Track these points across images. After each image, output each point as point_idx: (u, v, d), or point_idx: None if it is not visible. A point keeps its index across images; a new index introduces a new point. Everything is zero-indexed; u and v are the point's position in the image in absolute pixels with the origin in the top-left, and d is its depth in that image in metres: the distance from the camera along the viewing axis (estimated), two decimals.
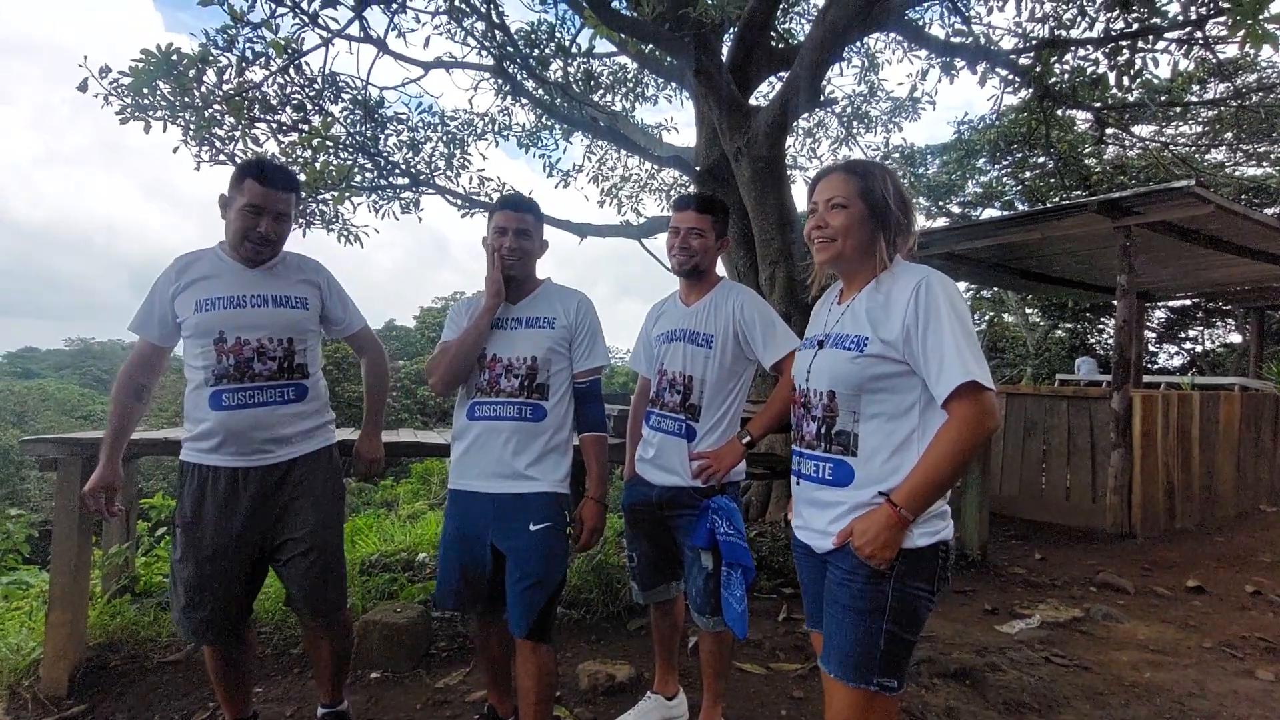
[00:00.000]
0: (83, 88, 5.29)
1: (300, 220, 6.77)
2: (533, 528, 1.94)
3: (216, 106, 6.25)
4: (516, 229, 2.07)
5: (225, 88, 6.19)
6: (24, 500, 17.31)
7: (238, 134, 6.49)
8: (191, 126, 6.27)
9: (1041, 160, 15.56)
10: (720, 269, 2.41)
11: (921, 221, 19.61)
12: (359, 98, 7.20)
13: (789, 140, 8.06)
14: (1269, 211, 15.65)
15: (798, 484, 1.57)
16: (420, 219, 8.26)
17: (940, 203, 19.50)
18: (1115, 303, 5.06)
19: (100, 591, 3.27)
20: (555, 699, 2.45)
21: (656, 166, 9.37)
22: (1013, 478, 5.68)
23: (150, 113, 5.79)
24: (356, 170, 7.32)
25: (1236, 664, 3.03)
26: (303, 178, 6.36)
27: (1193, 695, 2.70)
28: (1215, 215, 4.67)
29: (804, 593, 1.64)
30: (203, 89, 6.04)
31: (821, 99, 6.25)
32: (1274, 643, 3.25)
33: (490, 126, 9.09)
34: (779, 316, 2.25)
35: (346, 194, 6.56)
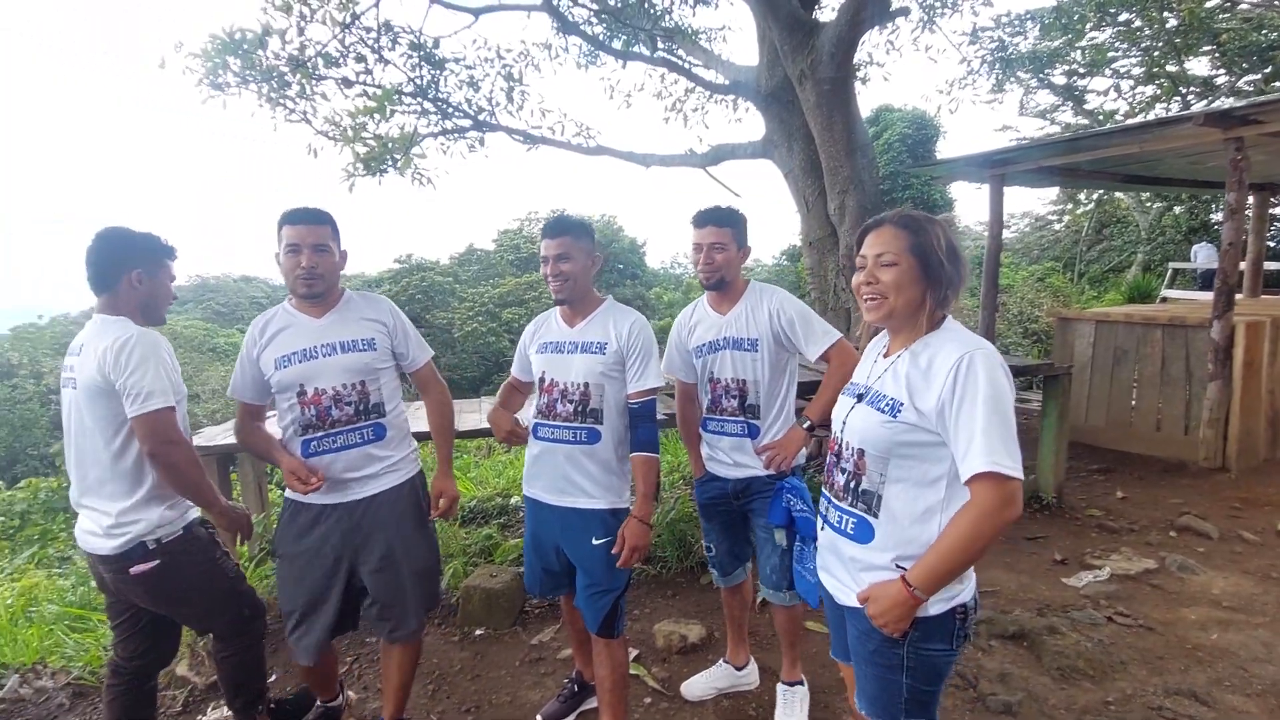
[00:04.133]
0: (161, 65, 5.59)
1: (378, 171, 6.99)
2: (595, 542, 2.15)
3: (284, 70, 6.45)
4: (556, 255, 2.14)
5: (289, 49, 6.37)
6: None
7: (307, 92, 6.71)
8: (264, 92, 6.51)
9: (1164, 16, 13.66)
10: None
11: (1019, 95, 17.82)
12: (416, 41, 7.19)
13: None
14: None
15: (823, 529, 1.66)
16: (487, 156, 8.31)
17: (1043, 74, 17.62)
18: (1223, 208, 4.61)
19: (247, 556, 3.82)
20: (635, 661, 2.79)
21: (723, 79, 8.93)
22: (1099, 407, 5.50)
23: (225, 89, 6.04)
24: (419, 115, 7.42)
25: None
26: (365, 147, 6.53)
27: (1259, 660, 2.73)
28: None
29: (830, 626, 1.76)
30: (269, 56, 6.22)
31: (891, 9, 5.72)
32: None
33: (547, 53, 8.84)
34: (813, 311, 2.33)
35: (413, 158, 6.68)
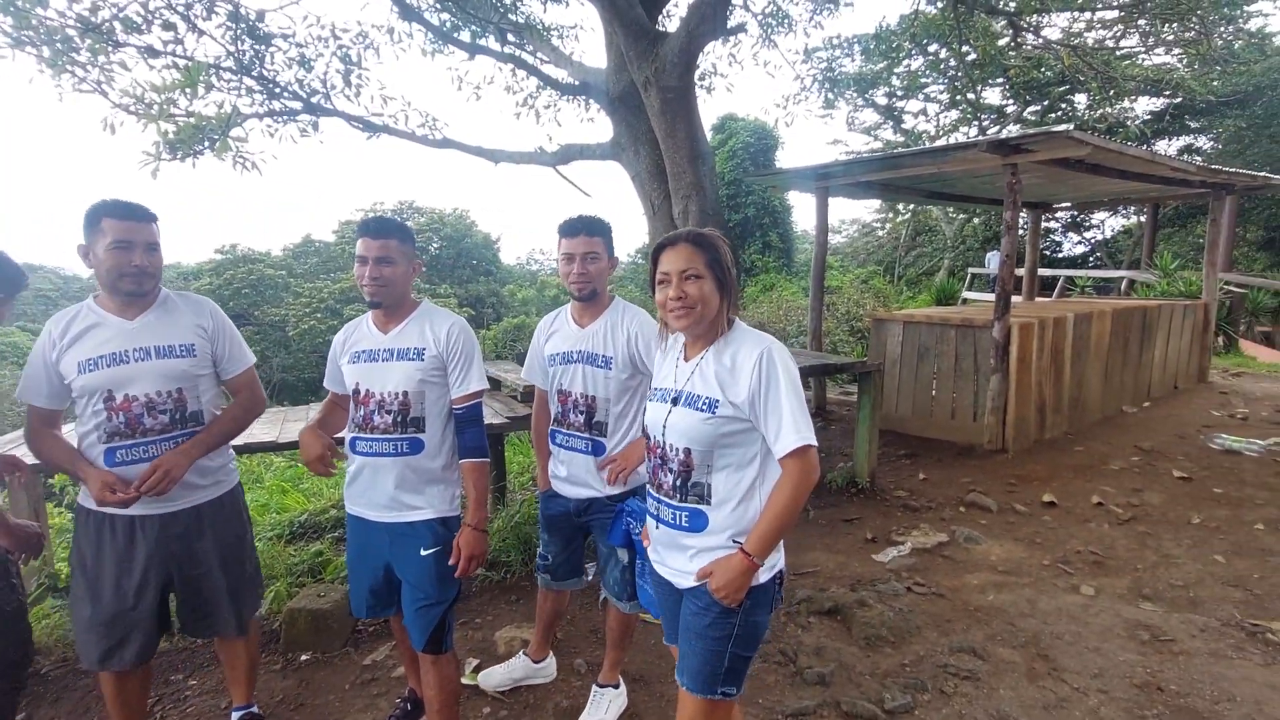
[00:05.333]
0: None
1: (190, 154, 6.30)
2: (423, 553, 2.09)
3: (70, 31, 5.64)
4: (377, 257, 2.06)
5: (76, 8, 5.57)
6: None
7: (100, 60, 5.91)
8: (45, 57, 5.65)
9: (965, 50, 15.55)
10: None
11: (847, 112, 19.44)
12: (235, 12, 6.53)
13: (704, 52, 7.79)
14: (1159, 103, 16.24)
15: (656, 527, 1.77)
16: (321, 142, 7.75)
17: (867, 94, 19.37)
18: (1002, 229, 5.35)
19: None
20: (472, 671, 2.74)
21: (573, 79, 8.95)
22: (906, 398, 6.17)
23: None
24: (241, 93, 6.77)
25: (1066, 579, 3.57)
26: (174, 127, 5.89)
27: (1024, 615, 3.21)
28: (1094, 153, 4.94)
29: (664, 615, 1.88)
30: (49, 15, 5.41)
31: (729, 26, 6.04)
32: (1102, 556, 3.83)
33: (389, 37, 8.38)
34: None
35: (231, 141, 6.09)
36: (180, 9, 6.18)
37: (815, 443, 1.57)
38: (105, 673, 2.10)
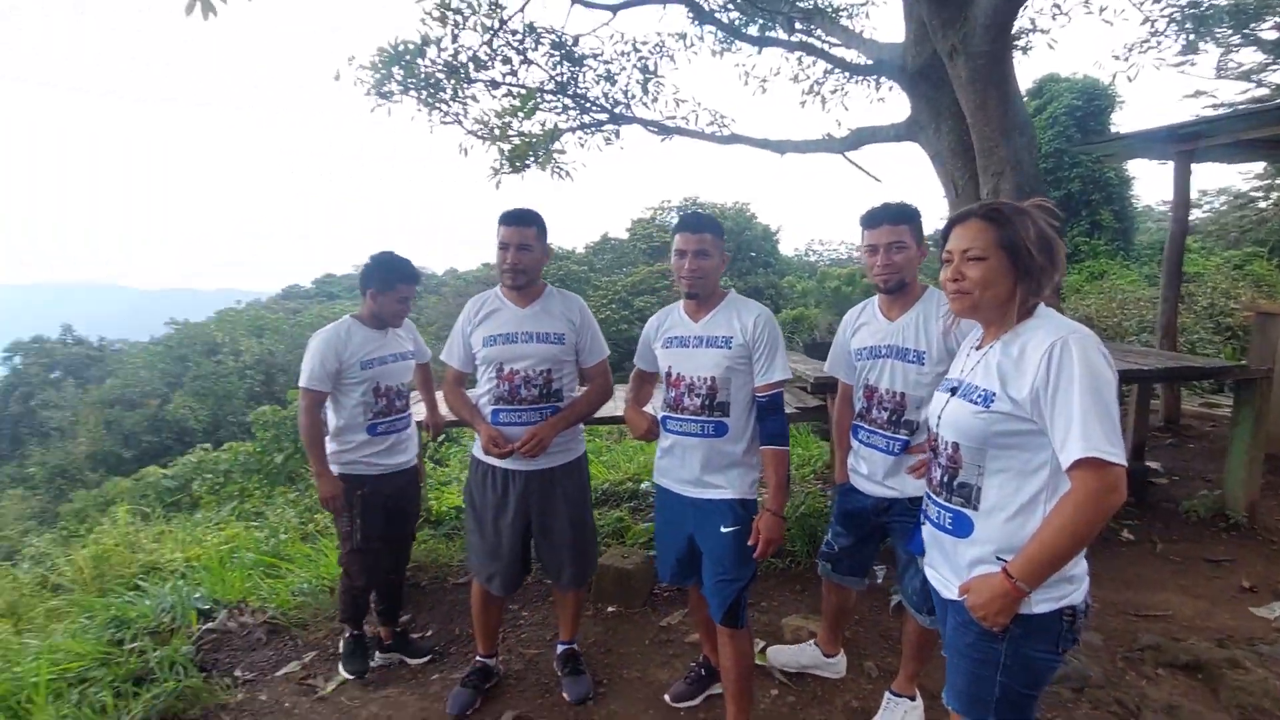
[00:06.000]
0: (336, 77, 6.25)
1: (522, 167, 7.41)
2: (723, 530, 2.20)
3: (440, 76, 6.98)
4: (696, 250, 2.19)
5: (443, 56, 6.88)
6: None
7: (459, 95, 7.22)
8: (422, 98, 7.08)
9: None
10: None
11: (1216, 56, 15.55)
12: (557, 40, 7.48)
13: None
14: None
15: (924, 525, 1.66)
16: (621, 148, 8.50)
17: (1248, 29, 15.26)
18: None
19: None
20: (761, 652, 2.81)
21: (865, 58, 8.55)
22: None
23: (389, 97, 6.64)
24: (560, 111, 7.74)
25: None
26: (508, 146, 6.90)
27: None
28: None
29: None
30: (426, 64, 6.76)
31: None
32: None
33: (682, 43, 8.86)
34: None
35: (553, 153, 7.00)
36: (515, 45, 7.27)
37: (1118, 460, 1.28)
38: (478, 590, 2.62)
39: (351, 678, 2.86)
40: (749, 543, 2.16)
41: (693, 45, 8.89)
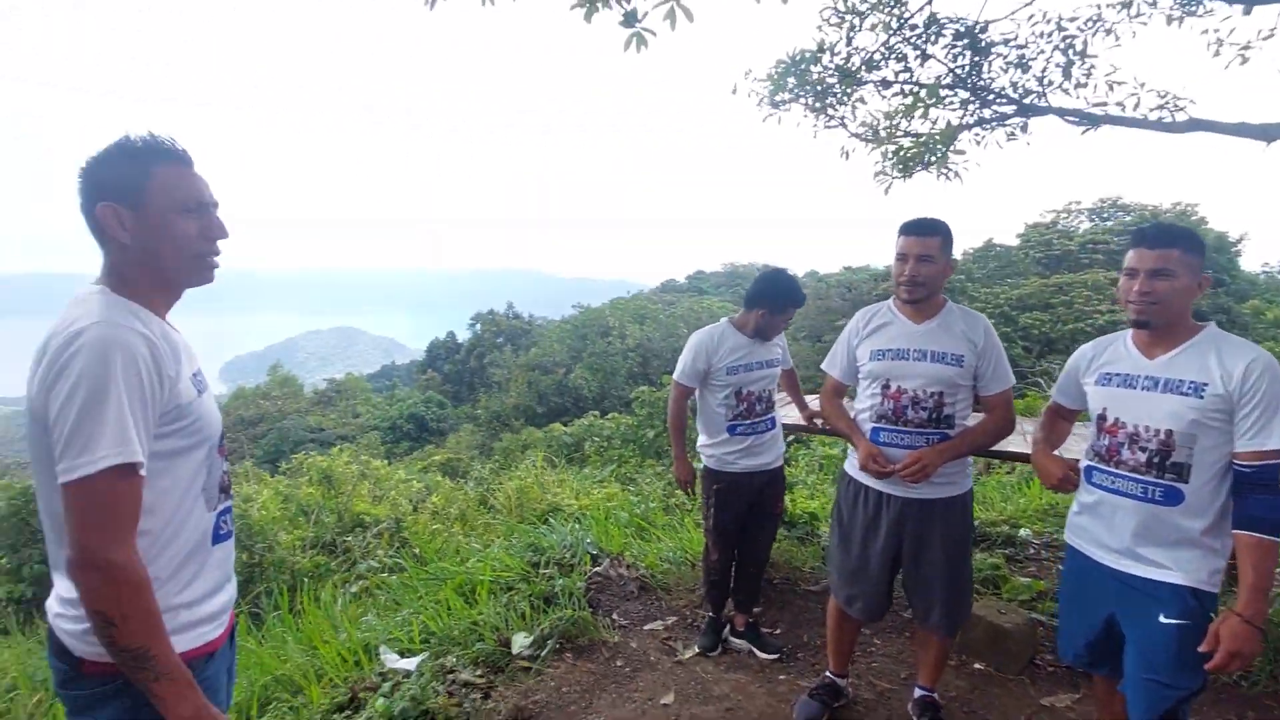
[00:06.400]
0: (733, 91, 6.68)
1: (912, 170, 7.03)
2: (1163, 620, 1.76)
3: (830, 80, 6.98)
4: (1157, 269, 1.78)
5: (836, 60, 6.85)
6: None
7: (847, 98, 7.13)
8: (810, 103, 7.16)
9: None
10: None
11: None
12: (961, 30, 6.86)
13: None
14: None
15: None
16: (1029, 144, 7.47)
17: None
18: None
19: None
20: None
21: None
22: None
23: (780, 105, 6.87)
24: (958, 106, 7.09)
25: None
26: (895, 147, 6.58)
27: None
28: None
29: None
30: (818, 70, 6.81)
31: None
32: None
33: (1125, 12, 7.36)
34: None
35: (952, 153, 6.47)
36: (913, 40, 6.86)
37: None
38: (835, 607, 2.57)
39: (702, 652, 3.09)
40: (1201, 649, 1.69)
41: (1140, 15, 7.33)
